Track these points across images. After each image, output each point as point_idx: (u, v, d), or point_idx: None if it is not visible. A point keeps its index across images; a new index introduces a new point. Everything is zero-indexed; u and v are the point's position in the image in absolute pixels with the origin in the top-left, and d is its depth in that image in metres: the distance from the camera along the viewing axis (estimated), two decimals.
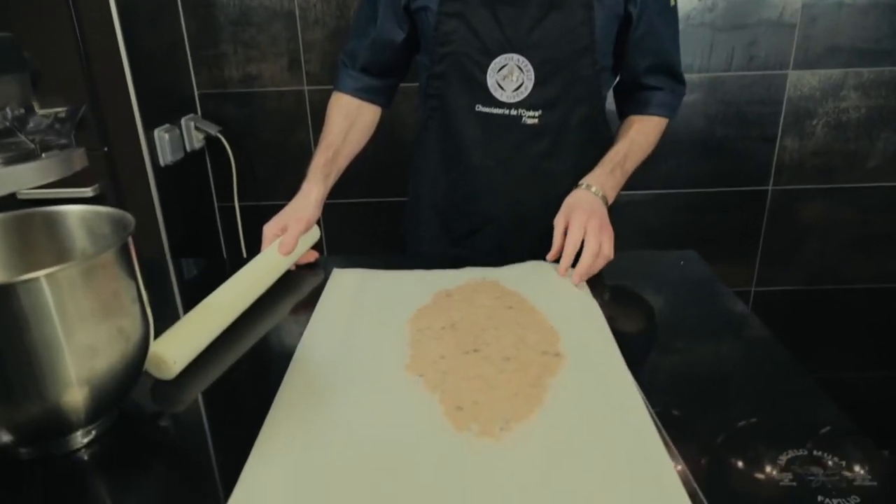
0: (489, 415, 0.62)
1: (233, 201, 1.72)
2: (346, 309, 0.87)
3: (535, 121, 1.02)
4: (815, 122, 1.71)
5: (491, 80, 0.99)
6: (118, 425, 0.63)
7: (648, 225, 1.81)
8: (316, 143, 1.72)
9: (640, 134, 1.07)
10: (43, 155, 0.87)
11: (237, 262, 0.94)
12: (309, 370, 0.71)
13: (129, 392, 0.64)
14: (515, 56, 0.97)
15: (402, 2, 1.02)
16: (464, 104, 1.03)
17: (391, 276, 0.98)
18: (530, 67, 0.98)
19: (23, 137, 0.87)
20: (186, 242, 1.57)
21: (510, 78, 0.98)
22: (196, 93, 1.67)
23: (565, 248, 0.91)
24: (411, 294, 0.91)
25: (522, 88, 0.99)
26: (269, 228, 0.98)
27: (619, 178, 1.03)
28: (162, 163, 1.43)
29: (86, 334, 0.56)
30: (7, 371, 0.54)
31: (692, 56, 1.64)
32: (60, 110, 1.09)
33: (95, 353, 0.57)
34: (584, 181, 1.00)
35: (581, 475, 0.54)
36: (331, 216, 1.79)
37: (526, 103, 1.00)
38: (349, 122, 1.10)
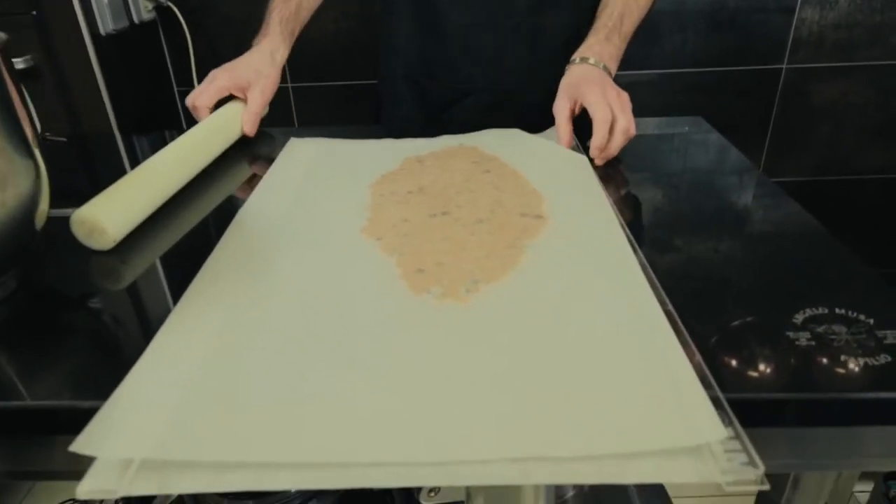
0: (454, 276, 0.51)
1: (192, 84, 1.55)
2: (300, 174, 0.75)
3: None
4: None
5: None
6: (17, 297, 0.53)
7: (652, 106, 1.65)
8: None
9: None
10: None
11: None
12: (249, 233, 0.60)
13: (20, 251, 0.53)
14: None
15: None
16: None
17: (355, 144, 0.86)
18: None
19: None
20: (141, 129, 1.42)
21: None
22: None
23: (597, 127, 0.74)
24: (376, 160, 0.79)
25: None
26: (218, 83, 0.83)
27: (617, 44, 0.87)
28: (102, 31, 1.26)
29: None
30: None
31: None
32: None
33: None
34: (579, 54, 0.84)
35: (561, 335, 0.44)
36: (298, 101, 1.64)
37: None
38: None
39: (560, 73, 0.83)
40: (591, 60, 0.83)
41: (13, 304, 0.52)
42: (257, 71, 0.85)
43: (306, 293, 0.50)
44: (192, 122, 1.60)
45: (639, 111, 1.70)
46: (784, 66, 1.62)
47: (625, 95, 0.77)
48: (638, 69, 1.61)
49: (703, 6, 1.54)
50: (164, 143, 0.75)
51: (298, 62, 1.60)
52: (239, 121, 0.86)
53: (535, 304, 0.47)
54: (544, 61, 0.91)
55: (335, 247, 0.57)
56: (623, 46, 0.88)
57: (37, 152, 0.53)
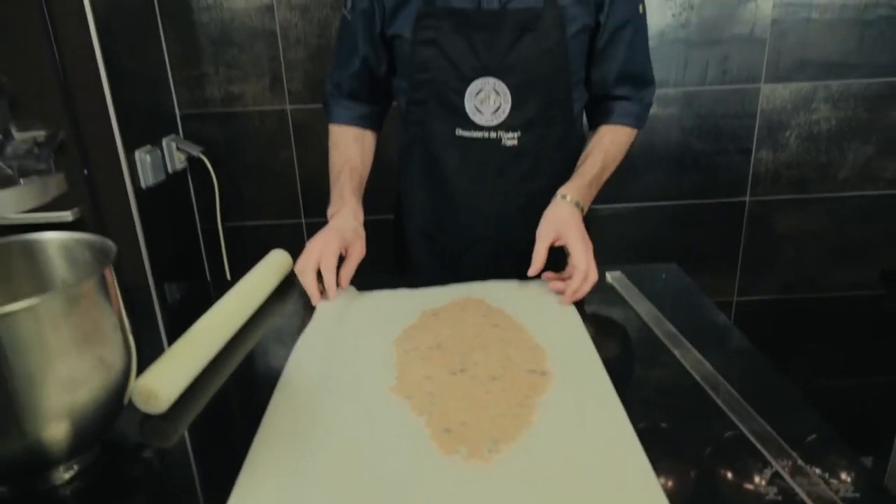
0: (477, 436, 0.62)
1: (216, 222, 1.71)
2: (332, 330, 0.87)
3: (515, 142, 1.03)
4: (788, 133, 1.75)
5: (469, 104, 1.00)
6: (101, 460, 0.62)
7: (631, 237, 1.83)
8: (299, 161, 1.73)
9: (614, 145, 1.08)
10: (21, 181, 0.86)
11: (221, 286, 0.93)
12: (295, 394, 0.71)
13: (112, 425, 0.63)
14: (492, 79, 0.98)
15: (378, 29, 1.03)
16: (444, 129, 1.04)
17: (378, 295, 0.98)
18: (507, 90, 0.99)
19: (0, 163, 0.86)
20: (170, 266, 1.56)
21: (488, 101, 1.00)
22: (178, 113, 1.67)
23: (577, 277, 0.90)
24: (398, 313, 0.91)
25: (500, 111, 1.00)
26: (332, 246, 0.95)
27: (594, 191, 1.05)
28: (143, 185, 1.42)
29: (67, 366, 0.55)
30: None
31: (668, 71, 1.67)
32: (39, 134, 1.08)
33: (77, 384, 0.57)
34: (565, 192, 1.00)
35: (570, 497, 0.54)
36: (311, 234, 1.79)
37: (505, 125, 1.02)
38: (359, 144, 1.12)
39: None
40: (573, 199, 0.99)
41: (99, 466, 0.61)
42: (354, 231, 1.01)
43: (351, 460, 0.59)
44: (211, 255, 1.72)
45: (621, 239, 1.87)
46: (747, 199, 1.82)
47: (591, 245, 0.94)
48: (617, 203, 1.79)
49: (671, 148, 1.75)
50: (196, 293, 0.86)
51: (312, 199, 1.77)
52: (277, 271, 1.00)
53: (548, 466, 0.57)
54: (537, 215, 1.06)
55: (372, 410, 0.68)
56: (596, 192, 1.06)
57: (130, 337, 0.64)
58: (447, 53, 0.98)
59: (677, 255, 1.84)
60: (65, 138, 1.32)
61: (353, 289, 0.99)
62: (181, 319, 0.80)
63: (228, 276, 1.74)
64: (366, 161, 1.13)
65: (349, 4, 1.05)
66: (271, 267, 1.02)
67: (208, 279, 1.80)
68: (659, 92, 1.67)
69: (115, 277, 0.62)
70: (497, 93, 0.99)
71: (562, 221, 0.95)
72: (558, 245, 0.95)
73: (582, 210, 1.00)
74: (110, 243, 0.66)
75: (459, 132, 1.03)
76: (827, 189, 1.81)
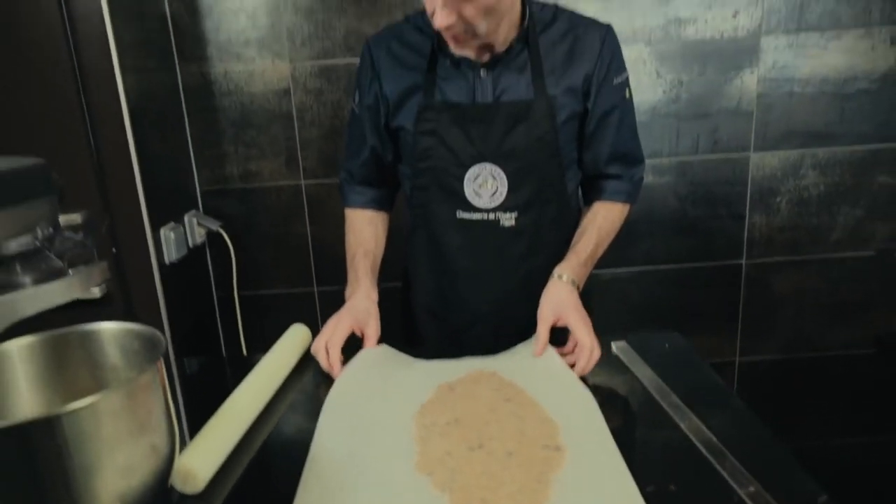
0: None
1: (232, 291, 1.77)
2: (354, 402, 0.91)
3: (512, 223, 1.10)
4: (779, 199, 1.83)
5: (468, 188, 1.08)
6: None
7: (632, 300, 1.89)
8: (312, 233, 1.81)
9: (607, 221, 1.14)
10: (70, 271, 0.93)
11: (237, 356, 0.98)
12: (324, 472, 0.76)
13: None
14: (488, 165, 1.06)
15: (383, 122, 1.12)
16: (445, 212, 1.11)
17: (398, 362, 1.03)
18: (503, 175, 1.07)
19: (52, 256, 0.93)
20: (188, 335, 1.61)
21: (485, 186, 1.07)
22: (198, 189, 1.76)
23: (583, 354, 0.97)
24: (416, 386, 0.96)
25: (498, 194, 1.08)
26: (345, 325, 1.03)
27: (589, 267, 1.12)
28: (167, 261, 1.50)
29: (123, 455, 0.61)
30: (45, 497, 0.57)
31: (661, 142, 1.77)
32: (73, 217, 1.16)
33: (131, 472, 0.62)
34: (562, 272, 1.06)
35: None
36: (328, 302, 1.85)
37: (502, 207, 1.09)
38: (373, 227, 1.19)
39: None
40: (570, 279, 1.05)
41: None
42: (367, 312, 1.07)
43: None
44: (226, 323, 1.77)
45: (623, 303, 1.93)
46: (744, 262, 1.88)
47: (590, 322, 1.00)
48: (618, 267, 1.86)
49: (668, 215, 1.83)
50: (212, 368, 0.91)
51: (324, 268, 1.84)
52: (298, 346, 1.06)
53: None
54: (536, 294, 1.11)
55: (397, 487, 0.72)
56: (592, 267, 1.13)
57: (175, 421, 0.70)
58: (447, 143, 1.06)
59: (678, 317, 1.91)
60: (106, 225, 1.40)
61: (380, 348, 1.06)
62: (199, 391, 0.83)
63: (243, 345, 1.79)
64: (379, 241, 1.21)
65: (357, 99, 1.15)
66: (293, 342, 1.07)
67: (223, 346, 1.85)
68: (653, 162, 1.77)
69: (164, 367, 0.68)
70: (494, 177, 1.07)
71: (561, 303, 1.02)
72: (559, 325, 1.01)
73: (578, 287, 1.07)
74: (159, 335, 0.72)
75: (460, 214, 1.11)
76: (820, 251, 1.88)
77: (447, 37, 0.99)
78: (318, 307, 1.86)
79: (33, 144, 1.35)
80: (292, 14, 1.64)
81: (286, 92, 1.70)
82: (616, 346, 1.10)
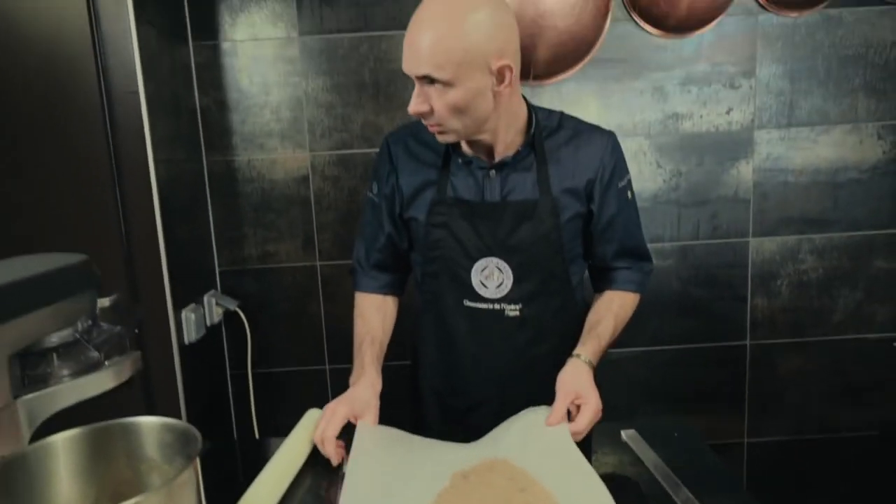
0: None
1: (245, 369, 1.81)
2: (371, 491, 0.93)
3: (517, 313, 1.14)
4: (779, 282, 1.89)
5: (475, 279, 1.13)
6: None
7: (639, 379, 1.91)
8: (326, 312, 1.86)
9: (622, 309, 1.19)
10: (106, 363, 0.98)
11: (249, 442, 1.00)
12: None
13: None
14: (495, 259, 1.11)
15: (398, 211, 1.18)
16: (453, 299, 1.16)
17: (403, 445, 1.05)
18: (508, 268, 1.11)
19: (90, 348, 0.98)
20: (202, 412, 1.63)
21: (492, 277, 1.12)
22: (217, 270, 1.83)
23: (578, 427, 0.99)
24: (430, 475, 0.98)
25: (503, 286, 1.12)
26: (341, 415, 1.02)
27: (604, 352, 1.15)
28: (186, 341, 1.54)
29: None
30: None
31: (663, 228, 1.84)
32: (104, 300, 1.22)
33: None
34: (583, 353, 1.08)
35: None
36: (334, 380, 1.88)
37: (507, 298, 1.13)
38: (382, 314, 1.23)
39: (552, 389, 1.05)
40: (588, 360, 1.08)
41: None
42: (366, 403, 1.07)
43: None
44: (238, 400, 1.75)
45: (631, 382, 1.94)
46: (748, 343, 1.92)
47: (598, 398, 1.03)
48: (624, 347, 1.90)
49: (672, 297, 1.88)
50: (225, 452, 0.93)
51: (337, 346, 1.88)
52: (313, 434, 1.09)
53: None
54: (539, 381, 1.13)
55: None
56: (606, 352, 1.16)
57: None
58: (456, 235, 1.12)
59: (685, 397, 1.93)
60: (136, 312, 1.45)
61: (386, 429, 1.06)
62: (212, 477, 0.81)
63: (255, 424, 1.81)
64: (387, 328, 1.23)
65: (375, 188, 1.21)
66: (308, 431, 1.10)
67: (234, 425, 1.86)
68: (656, 246, 1.84)
69: (199, 461, 0.71)
70: (500, 270, 1.12)
71: (582, 383, 1.04)
72: (576, 403, 1.03)
73: (593, 368, 1.10)
74: (194, 430, 0.76)
75: (467, 303, 1.15)
76: (822, 333, 1.92)
77: (427, 125, 1.06)
78: (330, 385, 1.88)
79: (68, 232, 1.43)
80: (314, 108, 1.76)
81: (305, 179, 1.80)
82: (626, 434, 1.12)
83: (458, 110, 1.00)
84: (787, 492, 1.96)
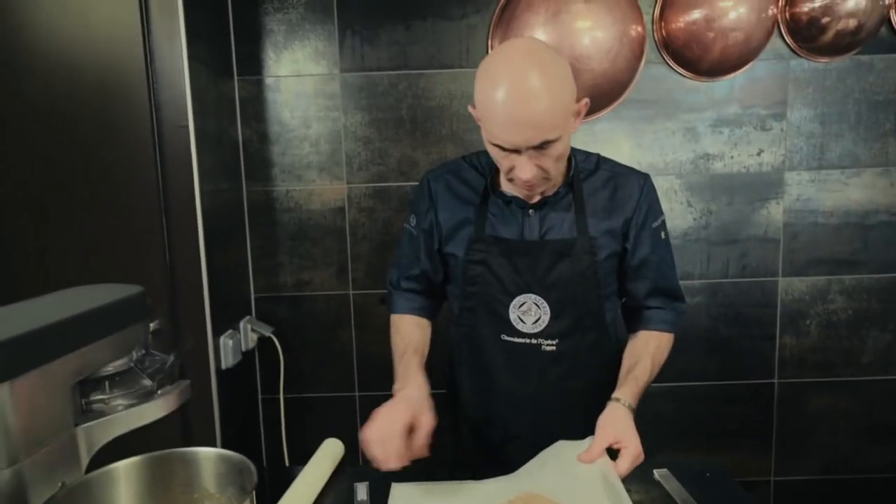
0: None
1: (277, 394, 1.84)
2: None
3: (553, 348, 1.16)
4: (808, 322, 1.89)
5: (513, 314, 1.15)
6: None
7: (667, 414, 1.91)
8: (357, 339, 1.89)
9: (659, 350, 1.21)
10: (158, 392, 1.02)
11: (278, 470, 1.01)
12: None
13: None
14: (533, 296, 1.14)
15: (436, 246, 1.22)
16: (490, 333, 1.18)
17: (445, 487, 1.07)
18: (546, 304, 1.14)
19: (143, 376, 1.02)
20: (233, 437, 1.67)
21: (529, 313, 1.15)
22: (253, 297, 1.87)
23: (626, 457, 1.01)
24: None
25: (540, 321, 1.15)
26: (402, 414, 1.01)
27: (642, 394, 1.17)
28: (224, 366, 1.58)
29: None
30: None
31: (692, 265, 1.86)
32: (154, 323, 1.25)
33: None
34: (622, 397, 1.10)
35: None
36: (369, 407, 1.90)
37: (544, 334, 1.15)
38: (421, 330, 1.24)
39: (585, 423, 1.07)
40: (629, 404, 1.10)
41: None
42: (422, 401, 1.05)
43: None
44: (269, 424, 1.79)
45: (658, 418, 1.95)
46: (776, 381, 1.91)
47: (642, 451, 1.04)
48: (653, 383, 1.90)
49: (700, 334, 1.89)
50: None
51: (366, 373, 1.91)
52: (332, 463, 1.11)
53: None
54: (573, 415, 1.16)
55: None
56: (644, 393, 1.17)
57: None
58: (495, 272, 1.15)
59: (712, 434, 1.93)
60: (186, 344, 1.49)
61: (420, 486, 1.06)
62: None
63: (286, 450, 1.84)
64: (425, 343, 1.24)
65: (413, 221, 1.24)
66: (326, 459, 1.13)
67: (263, 450, 1.89)
68: (686, 283, 1.85)
69: (254, 496, 0.74)
70: (538, 306, 1.14)
71: (622, 427, 1.05)
72: (615, 447, 1.05)
73: (633, 411, 1.12)
74: (249, 463, 0.79)
75: (504, 337, 1.18)
76: (851, 373, 1.91)
77: (523, 186, 1.07)
78: (359, 411, 1.91)
79: (118, 262, 1.48)
80: (352, 142, 1.82)
81: (341, 210, 1.84)
82: (658, 473, 1.13)
83: (560, 158, 1.04)
84: None
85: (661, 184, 1.80)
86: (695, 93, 1.79)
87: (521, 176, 1.02)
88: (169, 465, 0.81)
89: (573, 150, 1.17)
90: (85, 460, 0.88)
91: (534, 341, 1.17)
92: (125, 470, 0.80)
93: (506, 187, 1.15)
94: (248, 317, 1.81)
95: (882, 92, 1.78)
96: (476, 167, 1.22)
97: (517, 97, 0.96)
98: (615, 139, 1.79)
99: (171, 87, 1.46)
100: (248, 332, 1.76)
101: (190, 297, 1.51)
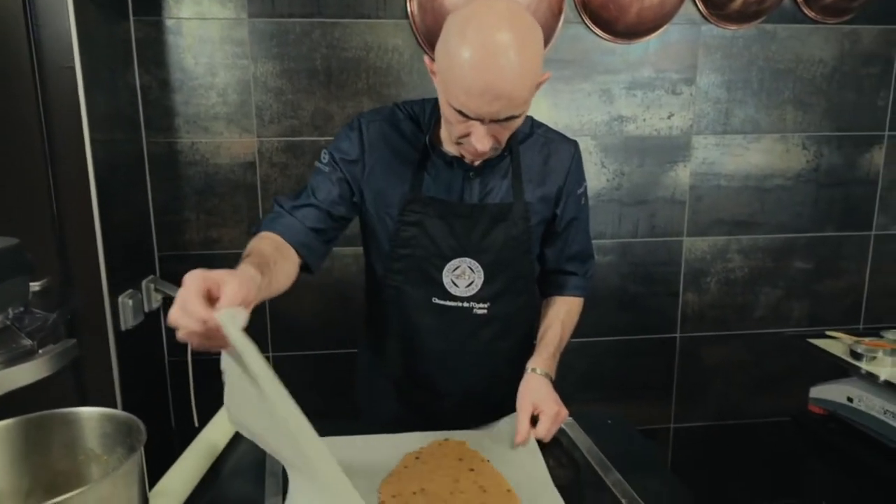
0: None
1: (185, 356, 1.76)
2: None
3: (485, 311, 1.17)
4: (709, 279, 2.00)
5: (446, 278, 1.15)
6: None
7: (578, 368, 1.99)
8: (269, 300, 1.83)
9: (570, 315, 1.25)
10: (40, 351, 0.95)
11: (188, 432, 1.00)
12: None
13: None
14: (468, 259, 1.14)
15: (351, 196, 1.11)
16: (421, 296, 1.17)
17: (361, 440, 1.06)
18: (480, 268, 1.14)
19: (22, 335, 0.95)
20: (139, 402, 1.59)
21: (463, 276, 1.14)
22: (157, 255, 1.77)
23: (538, 433, 1.06)
24: (382, 457, 1.00)
25: (473, 286, 1.15)
26: (194, 282, 0.72)
27: (557, 358, 1.20)
28: (123, 327, 1.49)
29: None
30: None
31: (605, 225, 1.91)
32: (35, 284, 1.17)
33: None
34: (536, 366, 1.15)
35: None
36: (284, 367, 1.86)
37: (476, 297, 1.16)
38: (279, 254, 1.00)
39: (513, 381, 1.13)
40: (544, 372, 1.14)
41: None
42: (230, 272, 0.75)
43: None
44: (179, 396, 1.72)
45: (570, 371, 2.02)
46: (678, 335, 2.02)
47: (564, 410, 1.10)
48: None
49: (611, 291, 1.96)
50: (163, 440, 0.93)
51: (279, 333, 1.86)
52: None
53: None
54: (502, 373, 1.20)
55: None
56: (559, 357, 1.21)
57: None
58: (430, 235, 1.12)
59: (619, 385, 2.02)
60: (76, 304, 1.39)
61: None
62: (150, 464, 0.76)
63: (195, 412, 1.77)
64: (279, 273, 0.96)
65: (326, 158, 1.11)
66: (223, 422, 1.10)
67: (171, 414, 1.82)
68: (598, 243, 1.91)
69: (143, 455, 0.70)
70: (472, 270, 1.14)
71: (539, 393, 1.10)
72: (536, 413, 1.08)
73: (551, 378, 1.15)
74: (138, 421, 0.75)
75: (435, 300, 1.16)
76: (745, 327, 2.04)
77: (473, 155, 1.01)
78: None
79: None
80: (262, 93, 1.72)
81: (252, 164, 1.76)
82: (564, 423, 1.18)
83: (514, 128, 1.01)
84: (708, 472, 2.10)
85: None
86: (611, 55, 1.81)
87: (479, 147, 0.96)
88: (48, 427, 0.75)
89: None
90: None
91: (465, 304, 1.16)
92: None
93: (449, 148, 1.10)
94: (151, 276, 1.71)
95: (783, 60, 1.87)
96: (413, 119, 1.13)
97: (493, 67, 0.88)
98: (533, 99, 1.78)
99: (53, 25, 1.32)
100: (152, 292, 1.66)
101: (83, 255, 1.40)
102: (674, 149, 1.89)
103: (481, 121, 0.94)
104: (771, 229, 1.99)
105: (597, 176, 1.87)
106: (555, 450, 1.08)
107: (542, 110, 1.79)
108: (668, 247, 1.96)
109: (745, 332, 2.05)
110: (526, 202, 1.14)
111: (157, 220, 1.76)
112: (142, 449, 0.70)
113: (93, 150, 1.39)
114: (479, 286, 1.15)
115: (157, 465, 0.89)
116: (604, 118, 1.84)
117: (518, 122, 0.98)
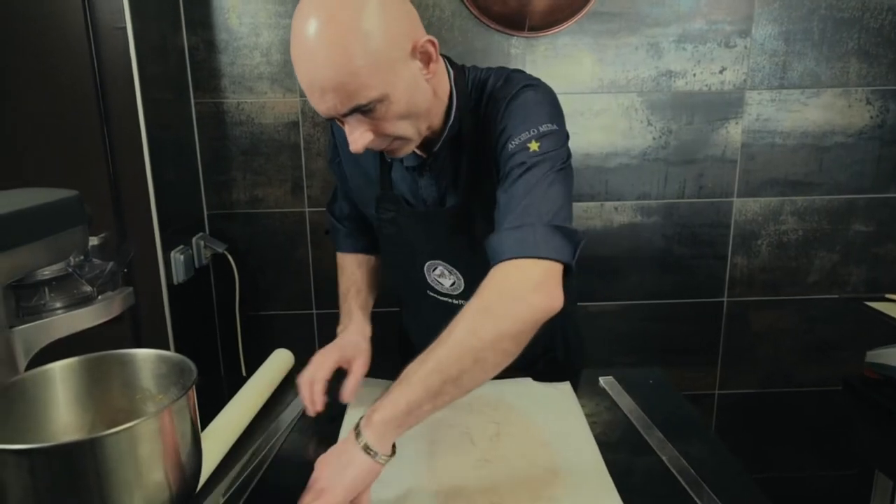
0: None
1: (234, 312, 1.83)
2: None
3: None
4: (759, 242, 1.93)
5: (430, 277, 1.09)
6: None
7: (619, 332, 1.97)
8: (314, 258, 1.88)
9: (473, 334, 0.84)
10: (99, 297, 1.00)
11: (235, 379, 1.04)
12: None
13: None
14: (441, 262, 1.06)
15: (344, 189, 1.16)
16: (416, 288, 1.12)
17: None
18: (457, 271, 1.05)
19: (83, 282, 1.00)
20: (191, 353, 1.66)
21: (444, 277, 1.07)
22: (206, 213, 1.83)
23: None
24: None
25: (456, 286, 1.07)
26: (331, 359, 1.02)
27: (418, 418, 0.79)
28: (175, 281, 1.56)
29: (158, 473, 0.67)
30: None
31: (650, 185, 1.86)
32: (94, 238, 1.22)
33: (162, 488, 0.67)
34: (363, 427, 0.78)
35: None
36: (327, 324, 1.92)
37: (464, 295, 1.06)
38: (364, 269, 1.21)
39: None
40: (362, 444, 0.76)
41: None
42: (357, 346, 1.06)
43: None
44: (226, 342, 1.77)
45: (610, 334, 2.00)
46: (725, 300, 1.98)
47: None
48: (606, 301, 1.95)
49: (654, 252, 1.92)
50: (212, 386, 0.96)
51: (324, 292, 1.91)
52: (281, 371, 1.13)
53: None
54: None
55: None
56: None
57: (200, 439, 0.76)
58: (406, 234, 1.05)
59: (662, 350, 1.99)
60: (132, 256, 1.45)
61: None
62: (200, 408, 0.79)
63: (243, 364, 1.85)
64: (371, 282, 1.21)
65: (329, 156, 1.16)
66: (275, 367, 1.15)
67: (221, 366, 1.90)
68: (642, 203, 1.86)
69: (195, 393, 0.74)
70: (450, 272, 1.06)
71: (327, 474, 0.77)
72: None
73: (370, 454, 0.76)
74: (189, 362, 0.79)
75: (429, 293, 1.12)
76: (797, 292, 1.98)
77: (388, 154, 0.92)
78: (317, 329, 1.92)
79: (58, 171, 1.42)
80: None
81: (295, 124, 1.78)
82: (603, 381, 1.17)
83: (405, 116, 0.84)
84: (753, 441, 2.07)
85: (622, 101, 1.78)
86: (660, 6, 1.73)
87: (352, 146, 0.83)
88: (107, 367, 0.80)
89: (475, 73, 0.97)
90: (23, 363, 0.86)
91: (455, 301, 1.09)
92: (61, 371, 0.78)
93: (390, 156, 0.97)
94: (201, 233, 1.77)
95: (847, 9, 1.76)
96: None
97: (306, 60, 0.77)
98: (576, 54, 1.74)
99: None
100: (202, 249, 1.73)
101: (137, 211, 1.47)
102: (725, 105, 1.81)
103: (338, 118, 0.82)
104: (829, 190, 1.90)
105: (643, 134, 1.82)
106: (593, 409, 1.07)
107: (587, 67, 1.75)
108: (717, 208, 1.90)
109: (796, 297, 1.98)
110: (484, 201, 0.93)
111: (205, 180, 1.81)
112: (193, 387, 0.74)
113: (145, 110, 1.44)
114: (463, 286, 1.06)
115: (207, 409, 0.93)
116: (651, 73, 1.78)
117: (395, 109, 0.81)
